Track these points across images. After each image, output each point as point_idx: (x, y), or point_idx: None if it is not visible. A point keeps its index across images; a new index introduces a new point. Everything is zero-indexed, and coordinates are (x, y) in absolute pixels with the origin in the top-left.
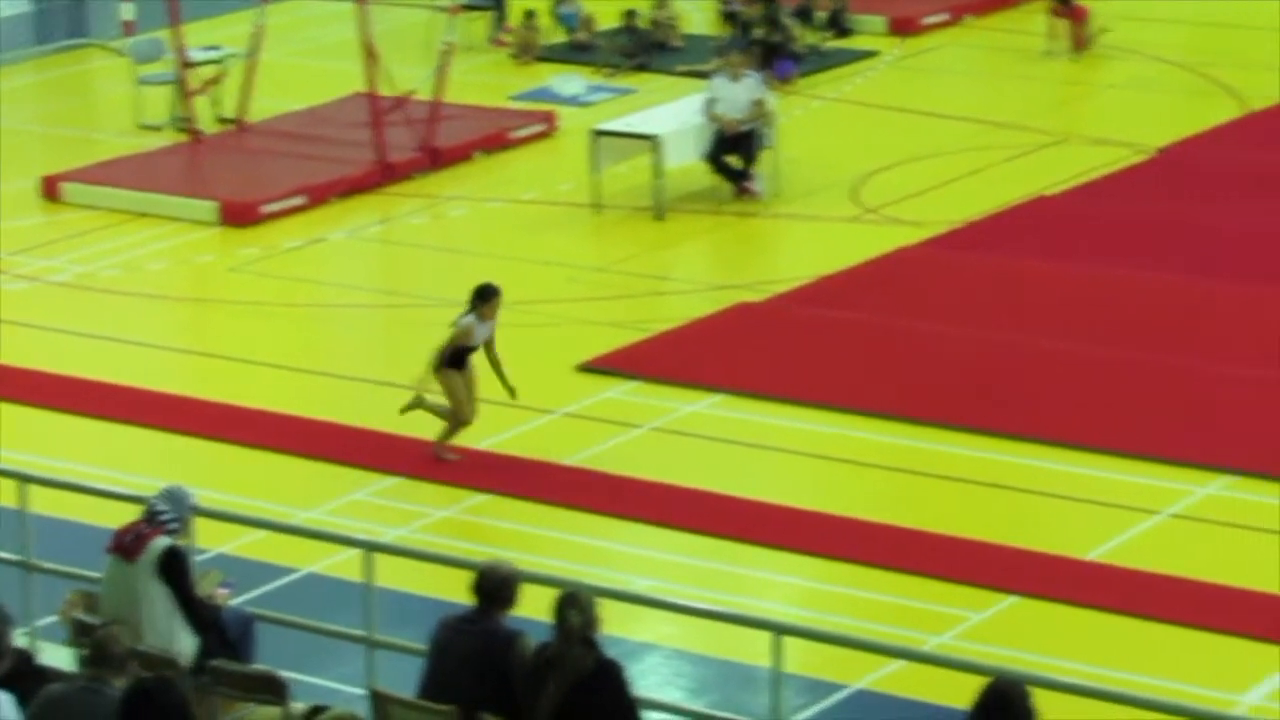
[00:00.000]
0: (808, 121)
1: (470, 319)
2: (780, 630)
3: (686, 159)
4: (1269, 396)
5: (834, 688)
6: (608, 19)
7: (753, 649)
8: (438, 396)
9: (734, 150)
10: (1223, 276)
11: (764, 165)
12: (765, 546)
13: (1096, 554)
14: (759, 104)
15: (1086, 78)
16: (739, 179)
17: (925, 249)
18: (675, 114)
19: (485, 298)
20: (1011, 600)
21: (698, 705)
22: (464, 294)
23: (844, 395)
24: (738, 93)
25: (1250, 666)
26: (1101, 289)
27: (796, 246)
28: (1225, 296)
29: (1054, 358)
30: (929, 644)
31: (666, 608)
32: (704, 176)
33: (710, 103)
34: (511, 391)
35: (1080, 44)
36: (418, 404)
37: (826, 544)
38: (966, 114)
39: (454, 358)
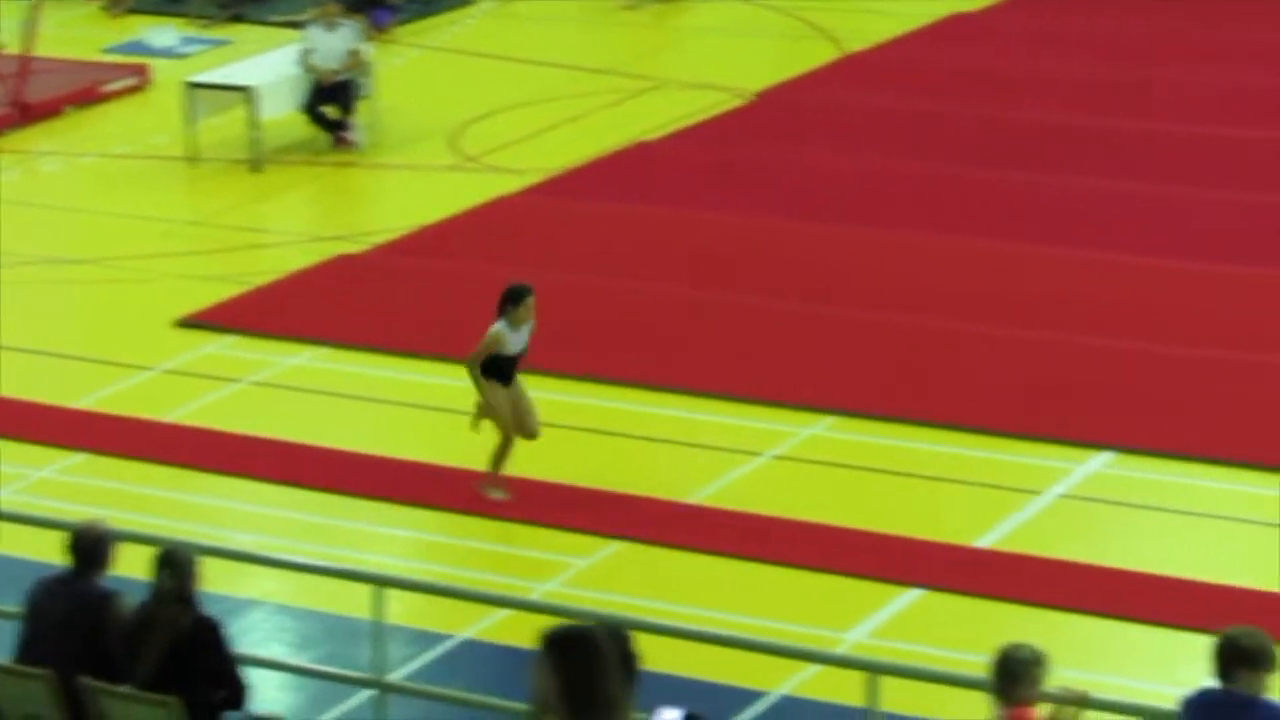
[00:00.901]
0: (406, 70)
1: (500, 325)
2: (381, 582)
3: (283, 110)
4: (867, 337)
5: (440, 638)
6: None
7: (357, 602)
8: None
9: (331, 100)
10: (824, 219)
11: (362, 115)
12: (369, 498)
13: (700, 496)
14: (355, 54)
15: (682, 22)
16: (336, 129)
17: (526, 197)
18: (271, 65)
19: (516, 299)
20: (615, 546)
21: (303, 660)
22: (58, 250)
23: (446, 345)
24: (333, 42)
25: (853, 604)
26: (705, 233)
27: (396, 196)
28: (827, 238)
29: (657, 302)
30: (535, 592)
31: (267, 563)
32: (301, 127)
33: (306, 53)
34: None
35: None
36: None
37: (431, 494)
38: (564, 61)
39: (491, 369)
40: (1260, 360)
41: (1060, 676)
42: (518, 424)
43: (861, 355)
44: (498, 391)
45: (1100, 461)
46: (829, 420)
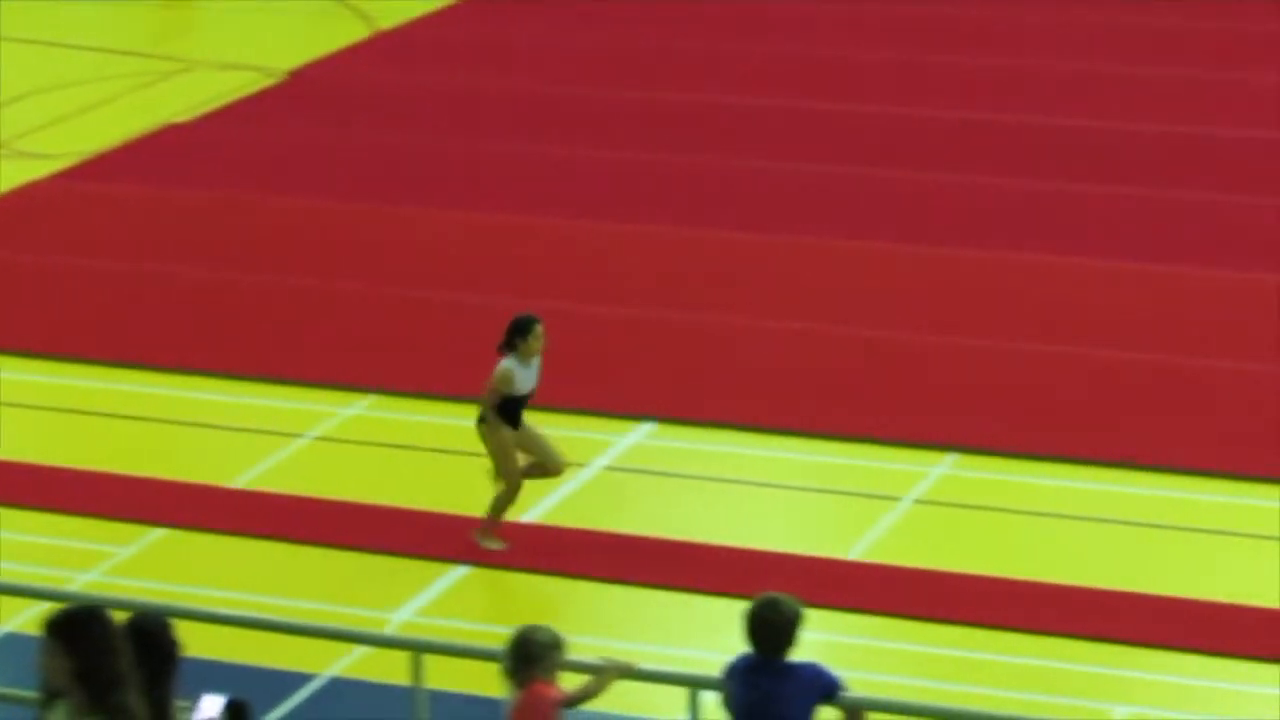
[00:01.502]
0: None
1: (509, 363)
2: None
3: None
4: (399, 314)
5: None
6: None
7: None
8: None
9: None
10: (365, 199)
11: None
12: None
13: (242, 480)
14: None
15: (208, 2)
16: None
17: (57, 181)
18: None
19: (525, 330)
20: (158, 533)
21: None
22: None
23: None
24: None
25: (398, 584)
26: (243, 215)
27: None
28: (367, 218)
29: (192, 286)
30: (75, 582)
31: None
32: None
33: None
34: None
35: None
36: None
37: None
38: (90, 43)
39: (503, 412)
40: (807, 328)
41: (605, 648)
42: (542, 462)
43: (395, 332)
44: (503, 432)
45: (641, 433)
46: (369, 400)
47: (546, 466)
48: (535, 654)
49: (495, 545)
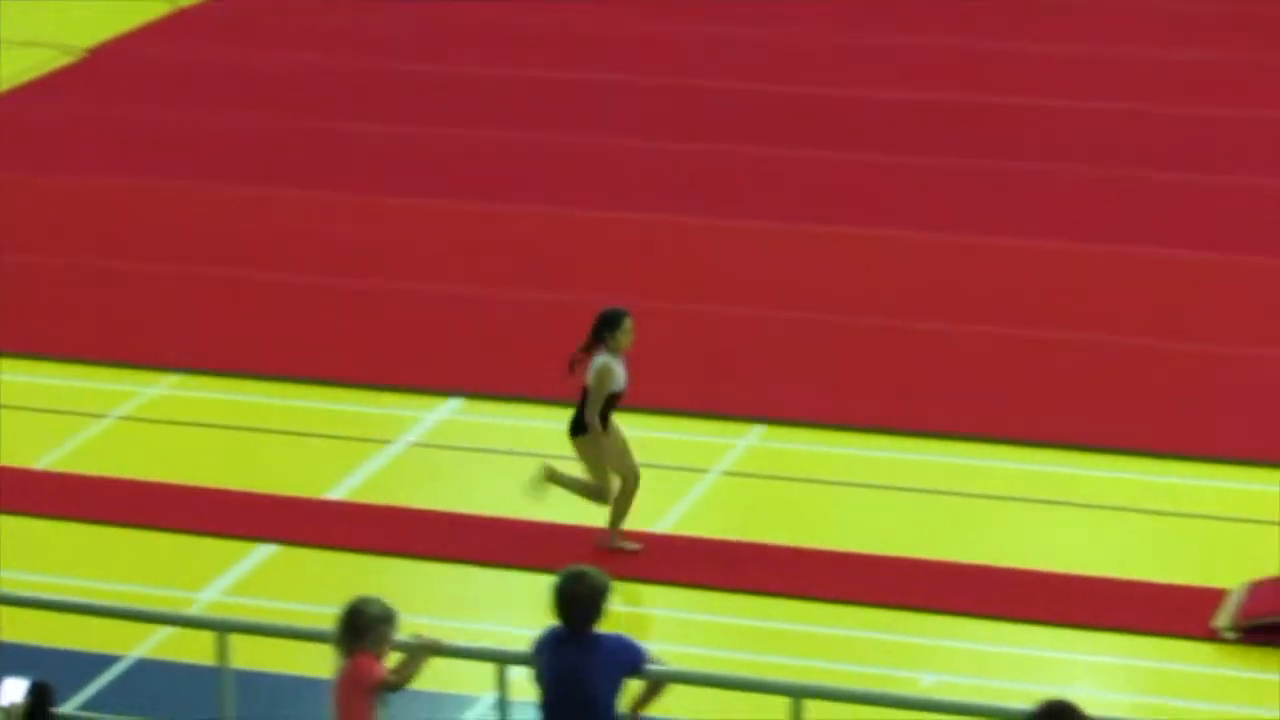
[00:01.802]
0: None
1: (604, 358)
2: None
3: None
4: (212, 293)
5: None
6: None
7: None
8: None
9: None
10: (177, 177)
11: None
12: None
13: (45, 462)
14: None
15: None
16: None
17: None
18: None
19: (614, 323)
20: None
21: None
22: None
23: None
24: None
25: (204, 563)
26: (33, 193)
27: None
28: (172, 195)
29: (14, 270)
30: None
31: None
32: None
33: None
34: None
35: None
36: (552, 477)
37: None
38: None
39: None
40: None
41: (414, 624)
42: (621, 473)
43: (197, 310)
44: (602, 439)
45: (449, 409)
46: (171, 379)
47: (626, 479)
48: (364, 626)
49: (631, 546)
